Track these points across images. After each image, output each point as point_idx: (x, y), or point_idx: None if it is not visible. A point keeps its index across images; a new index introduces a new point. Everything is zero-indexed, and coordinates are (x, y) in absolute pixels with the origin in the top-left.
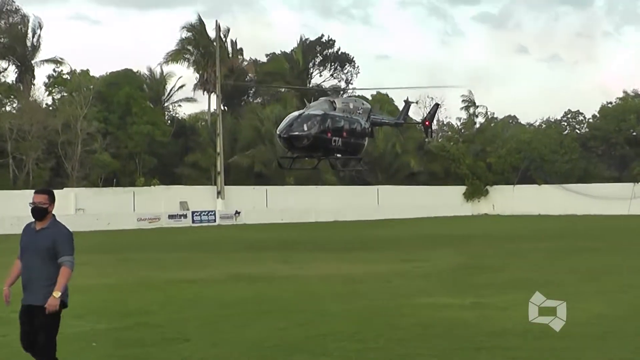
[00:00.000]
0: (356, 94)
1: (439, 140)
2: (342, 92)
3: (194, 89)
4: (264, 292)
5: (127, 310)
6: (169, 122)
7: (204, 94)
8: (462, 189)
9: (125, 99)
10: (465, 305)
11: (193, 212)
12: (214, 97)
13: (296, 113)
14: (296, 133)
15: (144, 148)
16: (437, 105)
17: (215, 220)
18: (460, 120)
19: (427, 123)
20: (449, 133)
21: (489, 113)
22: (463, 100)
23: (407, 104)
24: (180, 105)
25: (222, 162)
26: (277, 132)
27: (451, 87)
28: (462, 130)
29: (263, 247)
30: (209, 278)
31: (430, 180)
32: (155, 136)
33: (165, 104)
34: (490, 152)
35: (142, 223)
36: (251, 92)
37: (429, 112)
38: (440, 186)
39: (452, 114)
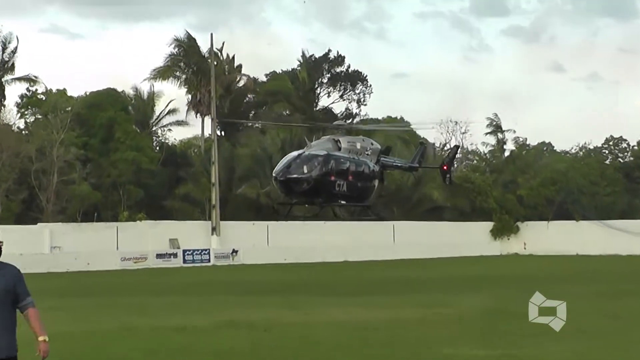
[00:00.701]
0: (368, 118)
1: (463, 169)
2: (352, 118)
3: (186, 112)
4: (263, 342)
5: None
6: (158, 148)
7: (197, 116)
8: (489, 225)
9: (108, 122)
10: (494, 357)
11: (184, 251)
12: (208, 120)
13: (295, 153)
14: (295, 176)
15: (128, 178)
16: (457, 148)
17: (209, 260)
18: (486, 147)
19: (444, 167)
20: (474, 162)
21: (519, 139)
22: (489, 125)
23: (422, 145)
24: (170, 130)
25: (217, 194)
26: (274, 175)
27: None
28: (489, 159)
29: (263, 291)
30: (201, 325)
31: (453, 216)
32: (141, 164)
33: (154, 128)
34: (521, 183)
35: (126, 263)
36: (251, 115)
37: (448, 155)
38: (465, 222)
39: (478, 139)
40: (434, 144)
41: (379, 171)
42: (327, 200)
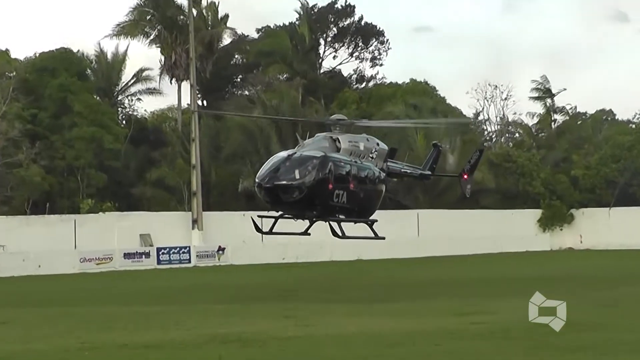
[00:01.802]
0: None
1: (504, 145)
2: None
3: (159, 77)
4: None
5: None
6: (124, 123)
7: (172, 83)
8: (536, 213)
9: (62, 90)
10: None
11: (159, 249)
12: (186, 87)
13: (284, 154)
14: (283, 182)
15: (88, 160)
16: (480, 153)
17: (189, 260)
18: (532, 118)
19: (465, 176)
20: (517, 136)
21: (573, 107)
22: (535, 89)
23: (437, 148)
24: (139, 100)
25: (198, 179)
26: (257, 180)
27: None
28: (536, 132)
29: (257, 297)
30: (181, 341)
31: (491, 203)
32: (104, 143)
33: (119, 98)
34: (575, 161)
35: (86, 265)
36: (238, 79)
37: (469, 162)
38: (506, 210)
39: (521, 108)
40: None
41: (385, 178)
42: (323, 214)
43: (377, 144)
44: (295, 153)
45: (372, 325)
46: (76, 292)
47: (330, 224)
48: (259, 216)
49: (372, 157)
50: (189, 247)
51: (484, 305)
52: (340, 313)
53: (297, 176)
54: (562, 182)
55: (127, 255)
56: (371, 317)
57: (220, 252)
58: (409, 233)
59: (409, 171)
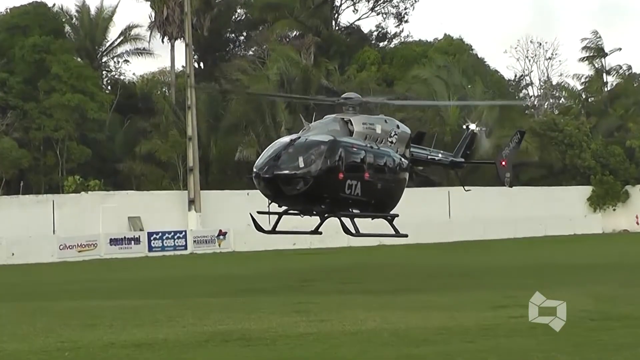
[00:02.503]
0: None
1: (548, 112)
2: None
3: (150, 35)
4: None
5: None
6: (110, 88)
7: (164, 42)
8: (586, 190)
9: (36, 52)
10: None
11: (150, 234)
12: (180, 46)
13: (286, 139)
14: (285, 172)
15: (69, 131)
16: (521, 135)
17: (185, 247)
18: (581, 80)
19: (503, 163)
20: (562, 100)
21: (627, 67)
22: (585, 48)
23: (470, 132)
24: (127, 62)
25: (196, 153)
26: (255, 170)
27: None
28: (585, 97)
29: (263, 289)
30: (176, 339)
31: (533, 178)
32: (87, 112)
33: (104, 60)
34: (632, 130)
35: (67, 252)
36: (241, 38)
37: (508, 146)
38: (551, 187)
39: (568, 69)
40: (484, 128)
41: (407, 166)
42: (333, 208)
43: (397, 127)
44: (300, 138)
45: (395, 321)
46: (55, 284)
47: (341, 220)
48: (258, 212)
49: (391, 142)
50: (185, 231)
51: (523, 297)
52: (359, 306)
53: (302, 164)
54: (615, 155)
55: (113, 242)
56: (394, 311)
57: (221, 237)
58: (439, 214)
59: (437, 158)
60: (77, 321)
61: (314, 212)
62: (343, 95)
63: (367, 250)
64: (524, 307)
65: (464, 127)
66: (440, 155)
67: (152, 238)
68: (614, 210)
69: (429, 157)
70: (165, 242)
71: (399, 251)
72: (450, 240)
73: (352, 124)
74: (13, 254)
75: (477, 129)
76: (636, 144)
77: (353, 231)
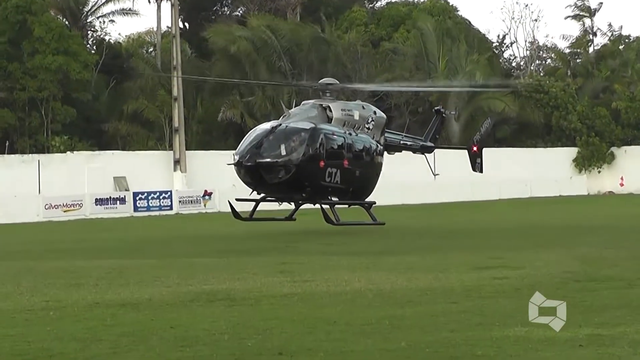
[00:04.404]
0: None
1: (534, 74)
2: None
3: None
4: (248, 321)
5: (25, 352)
6: (95, 49)
7: (150, 1)
8: (571, 152)
9: (18, 11)
10: (577, 341)
11: (135, 194)
12: (167, 6)
13: (267, 125)
14: (267, 160)
15: (53, 91)
16: (491, 121)
17: (171, 207)
18: (567, 41)
19: (474, 149)
20: (549, 62)
21: (615, 29)
22: (570, 6)
23: (439, 114)
24: (112, 22)
25: (181, 113)
26: (236, 158)
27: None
28: (571, 58)
29: (248, 249)
30: (160, 299)
31: (518, 139)
32: (71, 72)
33: (88, 20)
34: (618, 92)
35: (52, 212)
36: None
37: (479, 132)
38: (537, 149)
39: (554, 30)
40: (452, 112)
41: (382, 152)
42: (313, 196)
43: (374, 112)
44: (280, 125)
45: (380, 281)
46: (40, 244)
47: (322, 209)
48: (237, 200)
49: (368, 128)
50: (171, 191)
51: (508, 258)
52: (344, 268)
53: (283, 152)
54: (601, 116)
55: (99, 201)
56: (379, 272)
57: (207, 197)
58: (421, 174)
59: (409, 143)
60: (62, 280)
61: (293, 200)
62: (322, 81)
63: (352, 212)
64: (508, 269)
65: (433, 110)
66: (411, 140)
67: (137, 198)
68: (599, 172)
69: (401, 142)
70: (151, 202)
71: (384, 213)
72: (435, 202)
73: (330, 110)
74: None
75: (446, 112)
76: (622, 105)
77: (334, 220)
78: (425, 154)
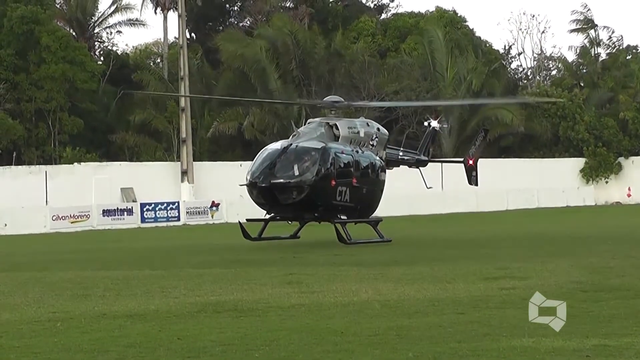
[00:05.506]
0: (403, 12)
1: (541, 84)
2: (382, 11)
3: (142, 5)
4: (256, 332)
5: None
6: (102, 59)
7: (157, 12)
8: (578, 162)
9: (26, 21)
10: (584, 351)
11: (143, 205)
12: (173, 17)
13: (277, 145)
14: (281, 181)
15: (61, 103)
16: (485, 133)
17: (178, 218)
18: (574, 52)
19: (470, 162)
20: (555, 72)
21: (619, 39)
22: (574, 21)
23: (432, 129)
24: (119, 33)
25: (189, 124)
26: (250, 179)
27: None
28: (578, 69)
29: (255, 260)
30: (168, 310)
31: (525, 150)
32: (78, 83)
33: (96, 31)
34: (623, 102)
35: (59, 223)
36: (235, 8)
37: (474, 144)
38: (544, 159)
39: (561, 41)
40: (444, 125)
41: (385, 168)
42: (324, 215)
43: (378, 129)
44: (291, 145)
45: (387, 292)
46: (47, 255)
47: (336, 228)
48: (248, 220)
49: (372, 145)
50: (178, 202)
51: (515, 268)
52: (351, 278)
53: (297, 172)
54: (609, 127)
55: (106, 212)
56: (386, 282)
57: (214, 208)
58: (431, 185)
59: (406, 158)
60: (69, 292)
61: (305, 219)
62: (327, 99)
63: (358, 229)
64: (515, 279)
65: (426, 124)
66: (408, 155)
67: (144, 209)
68: (607, 182)
69: (400, 157)
70: (158, 213)
71: (392, 224)
72: (443, 212)
73: (337, 128)
74: (5, 225)
75: (439, 126)
76: (630, 115)
77: (346, 238)
78: (420, 167)
